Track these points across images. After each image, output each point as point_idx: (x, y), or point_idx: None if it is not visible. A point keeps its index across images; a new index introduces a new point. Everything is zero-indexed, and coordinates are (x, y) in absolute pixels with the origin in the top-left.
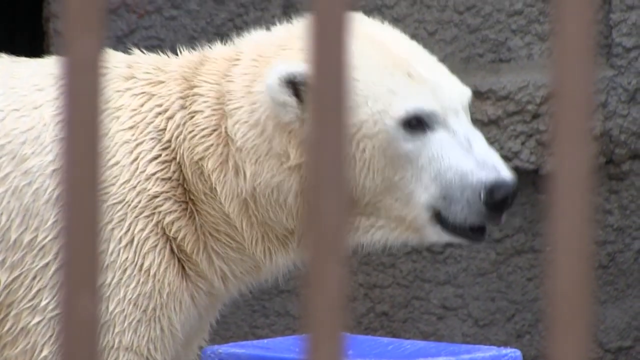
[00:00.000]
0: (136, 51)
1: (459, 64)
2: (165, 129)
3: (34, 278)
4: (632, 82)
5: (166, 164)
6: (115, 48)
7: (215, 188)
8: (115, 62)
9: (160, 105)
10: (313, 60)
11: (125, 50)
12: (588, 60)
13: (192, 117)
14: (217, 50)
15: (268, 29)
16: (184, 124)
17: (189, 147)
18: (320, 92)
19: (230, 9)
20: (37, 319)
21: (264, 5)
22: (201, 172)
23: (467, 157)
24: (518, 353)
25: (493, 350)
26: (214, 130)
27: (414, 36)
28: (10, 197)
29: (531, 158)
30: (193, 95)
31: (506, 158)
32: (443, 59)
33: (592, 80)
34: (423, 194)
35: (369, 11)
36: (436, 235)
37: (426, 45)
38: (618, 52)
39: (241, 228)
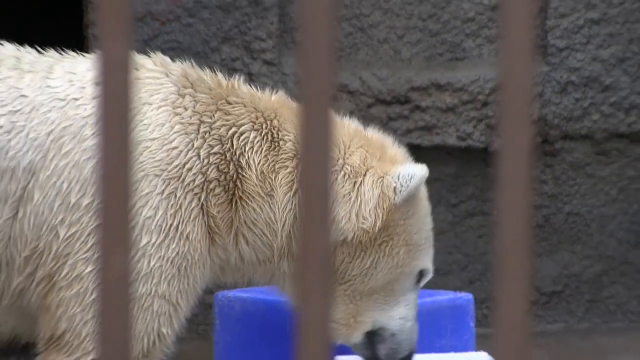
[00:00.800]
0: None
1: (423, 62)
2: (228, 137)
3: (89, 235)
4: (563, 77)
5: (226, 162)
6: (142, 51)
7: (275, 198)
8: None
9: (228, 120)
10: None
11: (150, 52)
12: (528, 58)
13: (274, 142)
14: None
15: (268, 35)
16: (259, 142)
17: (259, 161)
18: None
19: (236, 17)
20: (89, 269)
21: (263, 15)
22: (265, 181)
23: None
24: (470, 297)
25: (450, 295)
26: (293, 158)
27: (386, 40)
28: (72, 169)
29: (482, 138)
30: (271, 125)
31: (461, 139)
32: (410, 58)
33: (532, 74)
34: (386, 317)
35: (348, 19)
36: (356, 343)
37: (396, 46)
38: (552, 52)
39: (281, 238)
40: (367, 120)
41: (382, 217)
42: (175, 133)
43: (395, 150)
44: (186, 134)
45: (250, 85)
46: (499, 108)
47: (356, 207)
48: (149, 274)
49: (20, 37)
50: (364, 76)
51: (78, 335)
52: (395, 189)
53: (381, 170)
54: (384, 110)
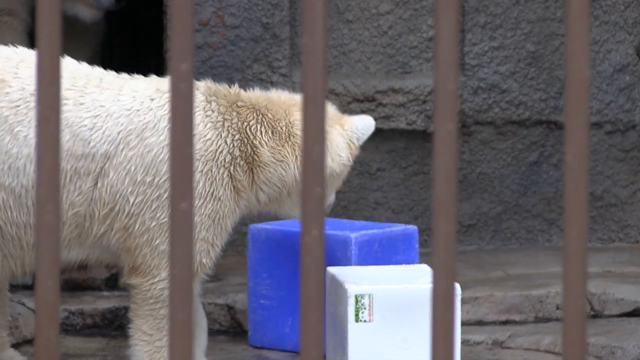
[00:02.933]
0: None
1: (384, 74)
2: (243, 129)
3: (153, 200)
4: (475, 84)
5: (244, 145)
6: (200, 68)
7: (285, 162)
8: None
9: (240, 117)
10: None
11: (208, 70)
12: (453, 72)
13: (273, 127)
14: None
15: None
16: (263, 129)
17: (267, 140)
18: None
19: (262, 45)
20: (154, 223)
21: (279, 44)
22: (275, 152)
23: None
24: (415, 228)
25: (402, 226)
26: (287, 141)
27: (359, 60)
28: (137, 158)
29: (422, 124)
30: (267, 116)
31: (408, 124)
32: (375, 72)
33: (455, 82)
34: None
35: (334, 47)
36: None
37: (366, 64)
38: (468, 67)
39: (290, 185)
40: (347, 112)
41: (351, 156)
42: (208, 129)
43: (332, 109)
44: (215, 128)
45: (246, 89)
46: (434, 104)
47: (332, 152)
48: (194, 225)
49: (115, 62)
50: (345, 83)
51: (149, 265)
52: (357, 137)
53: (340, 124)
54: (358, 105)
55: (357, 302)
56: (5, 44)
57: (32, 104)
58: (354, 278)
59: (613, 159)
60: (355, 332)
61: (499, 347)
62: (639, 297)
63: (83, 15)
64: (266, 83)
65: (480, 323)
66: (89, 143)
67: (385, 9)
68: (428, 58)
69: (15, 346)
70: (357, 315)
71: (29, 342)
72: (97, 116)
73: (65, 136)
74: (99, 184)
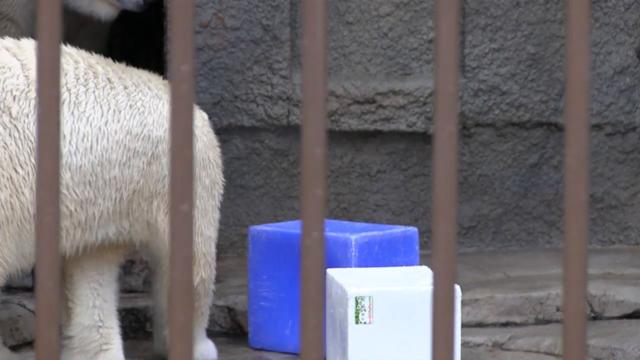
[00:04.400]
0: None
1: (384, 76)
2: None
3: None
4: (475, 86)
5: None
6: (200, 70)
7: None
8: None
9: None
10: None
11: (208, 72)
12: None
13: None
14: None
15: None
16: None
17: None
18: None
19: (262, 47)
20: (197, 209)
21: (280, 46)
22: None
23: None
24: (416, 229)
25: (402, 228)
26: None
27: (359, 62)
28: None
29: (422, 126)
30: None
31: (409, 126)
32: (375, 74)
33: (456, 84)
34: None
35: (334, 48)
36: None
37: (366, 66)
38: (468, 69)
39: None
40: (348, 113)
41: None
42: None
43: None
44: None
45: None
46: (434, 106)
47: None
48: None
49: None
50: (345, 85)
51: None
52: None
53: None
54: (359, 107)
55: (357, 304)
56: None
57: (92, 84)
58: (354, 280)
59: (613, 160)
60: (356, 334)
61: (499, 349)
62: (639, 298)
63: (100, 13)
64: (266, 85)
65: (480, 325)
66: (145, 126)
67: (386, 11)
68: (428, 60)
69: (16, 348)
70: (357, 317)
71: (29, 344)
72: (156, 99)
73: (127, 115)
74: (152, 165)
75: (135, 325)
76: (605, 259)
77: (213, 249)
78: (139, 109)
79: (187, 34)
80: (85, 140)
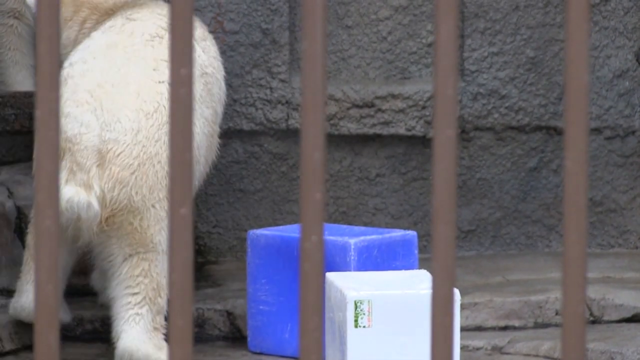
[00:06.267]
0: None
1: (383, 80)
2: None
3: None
4: (474, 89)
5: None
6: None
7: None
8: None
9: None
10: None
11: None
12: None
13: None
14: None
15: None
16: None
17: None
18: None
19: (262, 51)
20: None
21: (279, 49)
22: None
23: None
24: (415, 233)
25: (401, 231)
26: None
27: (359, 65)
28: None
29: (421, 129)
30: None
31: (408, 130)
32: (374, 77)
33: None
34: None
35: (333, 52)
36: None
37: (365, 70)
38: (467, 73)
39: None
40: (347, 117)
41: None
42: None
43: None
44: None
45: None
46: (433, 110)
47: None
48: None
49: None
50: (344, 89)
51: None
52: None
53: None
54: (358, 111)
55: (356, 307)
56: (9, 50)
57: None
58: (353, 284)
59: (612, 164)
60: (355, 338)
61: (498, 353)
62: (639, 302)
63: None
64: (265, 89)
65: (479, 328)
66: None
67: (385, 15)
68: (427, 64)
69: (15, 352)
70: (356, 320)
71: (28, 347)
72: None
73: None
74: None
75: None
76: (605, 263)
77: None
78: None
79: (186, 37)
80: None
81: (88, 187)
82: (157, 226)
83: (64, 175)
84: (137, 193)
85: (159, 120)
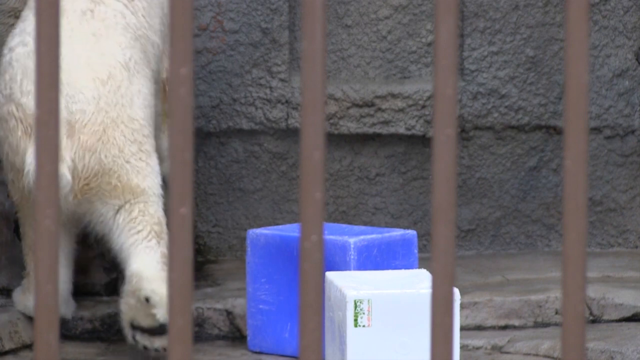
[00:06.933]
0: None
1: (383, 79)
2: None
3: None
4: (474, 89)
5: None
6: (199, 73)
7: None
8: None
9: None
10: None
11: (207, 75)
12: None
13: None
14: None
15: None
16: None
17: None
18: None
19: (261, 50)
20: None
21: (279, 49)
22: None
23: None
24: (414, 232)
25: (401, 231)
26: None
27: (358, 65)
28: None
29: (421, 129)
30: None
31: (407, 129)
32: (374, 77)
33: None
34: None
35: (333, 51)
36: None
37: (365, 69)
38: (467, 72)
39: None
40: (347, 116)
41: None
42: None
43: None
44: None
45: None
46: (433, 109)
47: None
48: None
49: None
50: (344, 88)
51: None
52: None
53: None
54: (358, 110)
55: (356, 307)
56: None
57: None
58: (353, 283)
59: (612, 163)
60: (354, 337)
61: (498, 352)
62: (638, 302)
63: None
64: (265, 88)
65: (479, 328)
66: None
67: (385, 14)
68: (427, 63)
69: (14, 351)
70: (356, 320)
71: (28, 347)
72: None
73: None
74: None
75: None
76: (604, 262)
77: None
78: None
79: (186, 37)
80: None
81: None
82: (139, 176)
83: (32, 150)
84: (106, 156)
85: (113, 85)
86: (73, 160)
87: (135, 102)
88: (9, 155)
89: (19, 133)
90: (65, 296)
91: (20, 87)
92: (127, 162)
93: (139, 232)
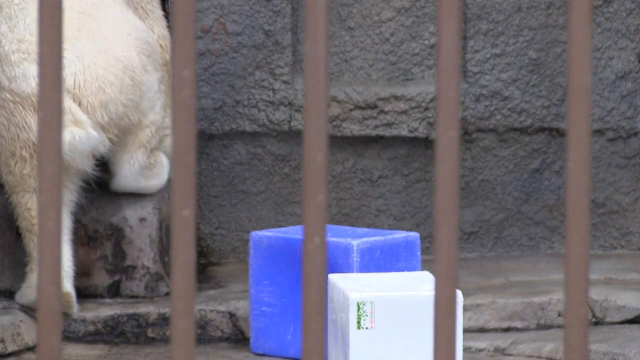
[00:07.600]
0: None
1: (385, 81)
2: None
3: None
4: (477, 91)
5: None
6: (202, 75)
7: None
8: None
9: None
10: None
11: (210, 77)
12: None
13: None
14: None
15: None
16: None
17: None
18: None
19: (264, 52)
20: None
21: (282, 51)
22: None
23: None
24: (417, 235)
25: (404, 233)
26: None
27: (361, 67)
28: None
29: (424, 131)
30: None
31: (410, 131)
32: (377, 79)
33: (457, 89)
34: None
35: (336, 54)
36: None
37: (368, 71)
38: (470, 74)
39: None
40: (349, 119)
41: None
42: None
43: None
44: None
45: None
46: (436, 111)
47: None
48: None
49: None
50: (347, 90)
51: None
52: None
53: None
54: (360, 112)
55: (359, 309)
56: None
57: None
58: (356, 285)
59: (615, 166)
60: (357, 339)
61: (500, 354)
62: None
63: None
64: (268, 90)
65: (482, 330)
66: None
67: (387, 16)
68: (430, 65)
69: (17, 353)
70: (358, 322)
71: (30, 349)
72: None
73: None
74: None
75: (137, 331)
76: (607, 264)
77: None
78: None
79: (189, 39)
80: None
81: (78, 123)
82: (148, 104)
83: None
84: (119, 100)
85: (89, 42)
86: (93, 117)
87: (115, 38)
88: (18, 135)
89: (22, 110)
90: (67, 271)
91: (3, 74)
92: (132, 97)
93: (133, 142)
